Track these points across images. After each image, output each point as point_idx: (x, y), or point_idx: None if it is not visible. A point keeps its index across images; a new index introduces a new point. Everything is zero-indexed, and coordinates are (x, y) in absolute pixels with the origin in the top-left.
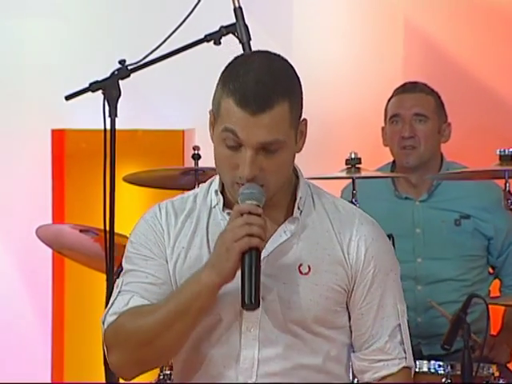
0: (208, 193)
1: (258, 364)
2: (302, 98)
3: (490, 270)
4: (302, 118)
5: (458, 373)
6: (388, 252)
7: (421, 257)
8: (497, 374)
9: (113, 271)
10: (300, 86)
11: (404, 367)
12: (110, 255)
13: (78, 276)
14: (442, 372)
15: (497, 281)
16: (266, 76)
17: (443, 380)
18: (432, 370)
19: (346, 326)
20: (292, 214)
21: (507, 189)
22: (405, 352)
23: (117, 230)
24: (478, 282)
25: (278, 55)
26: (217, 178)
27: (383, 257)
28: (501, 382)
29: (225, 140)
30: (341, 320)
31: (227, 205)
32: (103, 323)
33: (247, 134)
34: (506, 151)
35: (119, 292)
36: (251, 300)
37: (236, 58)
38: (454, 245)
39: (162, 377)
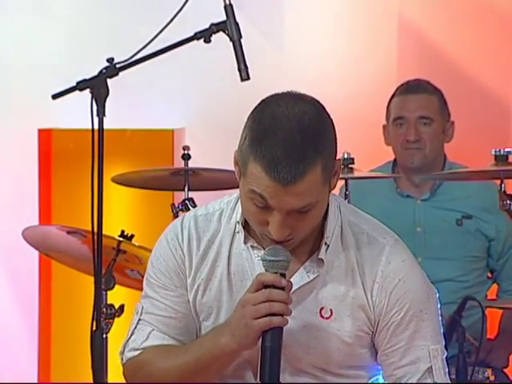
0: (234, 212)
1: None
2: (335, 145)
3: (489, 275)
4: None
5: (453, 377)
6: (418, 291)
7: (421, 256)
8: (492, 378)
9: (101, 273)
10: (333, 129)
11: None
12: (97, 257)
13: (65, 278)
14: None
15: (494, 285)
16: (298, 138)
17: None
18: None
19: (372, 363)
20: (317, 248)
21: (502, 189)
22: None
23: (105, 231)
24: (478, 284)
25: (310, 99)
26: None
27: (412, 297)
28: None
29: (252, 199)
30: (367, 360)
31: (251, 234)
32: (122, 354)
33: (277, 201)
34: (502, 151)
35: (139, 320)
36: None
37: (264, 104)
38: (455, 245)
39: None
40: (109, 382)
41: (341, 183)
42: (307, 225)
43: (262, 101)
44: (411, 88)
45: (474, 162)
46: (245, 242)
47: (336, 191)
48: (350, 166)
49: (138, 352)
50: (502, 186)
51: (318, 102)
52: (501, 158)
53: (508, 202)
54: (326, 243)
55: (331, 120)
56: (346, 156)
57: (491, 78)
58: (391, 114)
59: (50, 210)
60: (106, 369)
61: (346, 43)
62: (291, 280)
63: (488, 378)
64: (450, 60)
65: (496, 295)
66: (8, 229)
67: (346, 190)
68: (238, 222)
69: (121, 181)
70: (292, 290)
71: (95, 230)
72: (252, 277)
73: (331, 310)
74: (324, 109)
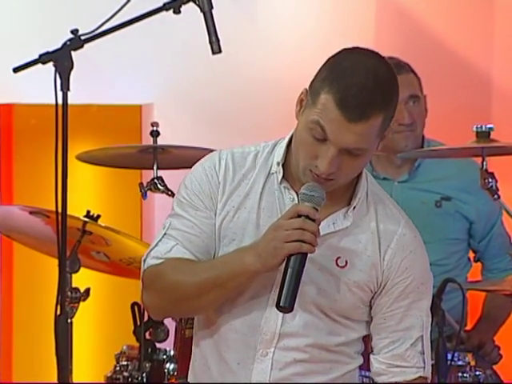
0: (271, 156)
1: (279, 337)
2: (395, 109)
3: (470, 257)
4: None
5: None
6: (423, 265)
7: None
8: (473, 363)
9: (65, 256)
10: (397, 95)
11: (420, 376)
12: (62, 239)
13: (27, 261)
14: None
15: (476, 267)
16: (371, 85)
17: None
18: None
19: (363, 320)
20: (346, 205)
21: (484, 167)
22: (424, 362)
23: (70, 211)
24: (458, 267)
25: (385, 60)
26: (282, 148)
27: (417, 270)
28: (477, 372)
29: (312, 130)
30: (360, 315)
31: (286, 177)
32: (144, 262)
33: (337, 136)
34: (483, 127)
35: (165, 234)
36: (286, 303)
37: (346, 51)
38: (434, 228)
39: (118, 368)
40: (73, 368)
41: None
42: (350, 171)
43: (343, 49)
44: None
45: (454, 139)
46: (280, 183)
47: None
48: None
49: (159, 261)
50: (484, 163)
51: (392, 69)
52: (482, 135)
53: (489, 180)
54: (355, 203)
55: (398, 87)
56: None
57: (471, 51)
58: None
59: (11, 189)
60: (71, 355)
61: (321, 14)
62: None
63: (468, 363)
64: (428, 33)
65: (480, 273)
66: None
67: None
68: (278, 163)
69: (86, 159)
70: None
71: (59, 210)
72: (280, 215)
73: (346, 261)
74: (395, 75)
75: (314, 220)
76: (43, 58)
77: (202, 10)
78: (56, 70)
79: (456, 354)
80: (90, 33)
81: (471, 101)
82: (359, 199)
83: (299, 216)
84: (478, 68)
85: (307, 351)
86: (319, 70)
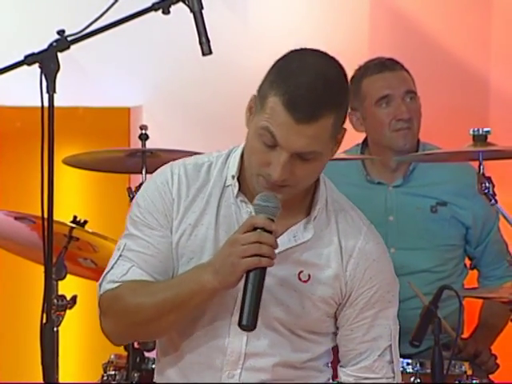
0: (225, 167)
1: (245, 357)
2: (347, 110)
3: (466, 263)
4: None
5: (428, 371)
6: (388, 273)
7: (394, 247)
8: (469, 372)
9: (51, 262)
10: (348, 96)
11: None
12: (48, 245)
13: (12, 267)
14: (411, 370)
15: (472, 274)
16: (320, 85)
17: (412, 379)
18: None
19: (329, 332)
20: (305, 216)
21: (481, 171)
22: (393, 372)
23: (56, 217)
24: (454, 274)
25: (336, 61)
26: (236, 159)
27: (382, 278)
28: (474, 381)
29: (262, 136)
30: (326, 328)
31: (242, 190)
32: (100, 286)
33: (287, 140)
34: (480, 131)
35: (120, 256)
36: (249, 322)
37: (293, 52)
38: (429, 234)
39: (105, 378)
40: (59, 378)
41: None
42: (304, 176)
43: (291, 51)
44: (386, 65)
45: (451, 142)
46: (236, 196)
47: None
48: None
49: (116, 284)
50: (481, 167)
51: (343, 69)
52: (479, 138)
53: (486, 184)
54: (315, 213)
55: (348, 87)
56: None
57: (468, 52)
58: (370, 96)
59: None
60: (58, 364)
61: (314, 14)
62: (278, 241)
63: (465, 372)
64: (424, 33)
65: (477, 280)
66: None
67: None
68: (233, 176)
69: (73, 163)
70: (276, 252)
71: (45, 215)
72: None
73: (309, 275)
74: (346, 75)
75: (270, 232)
76: (29, 60)
77: (191, 11)
78: (42, 72)
79: (452, 363)
80: (76, 33)
81: (468, 103)
82: (319, 209)
83: (255, 229)
84: (474, 70)
85: (274, 370)
86: (267, 74)
